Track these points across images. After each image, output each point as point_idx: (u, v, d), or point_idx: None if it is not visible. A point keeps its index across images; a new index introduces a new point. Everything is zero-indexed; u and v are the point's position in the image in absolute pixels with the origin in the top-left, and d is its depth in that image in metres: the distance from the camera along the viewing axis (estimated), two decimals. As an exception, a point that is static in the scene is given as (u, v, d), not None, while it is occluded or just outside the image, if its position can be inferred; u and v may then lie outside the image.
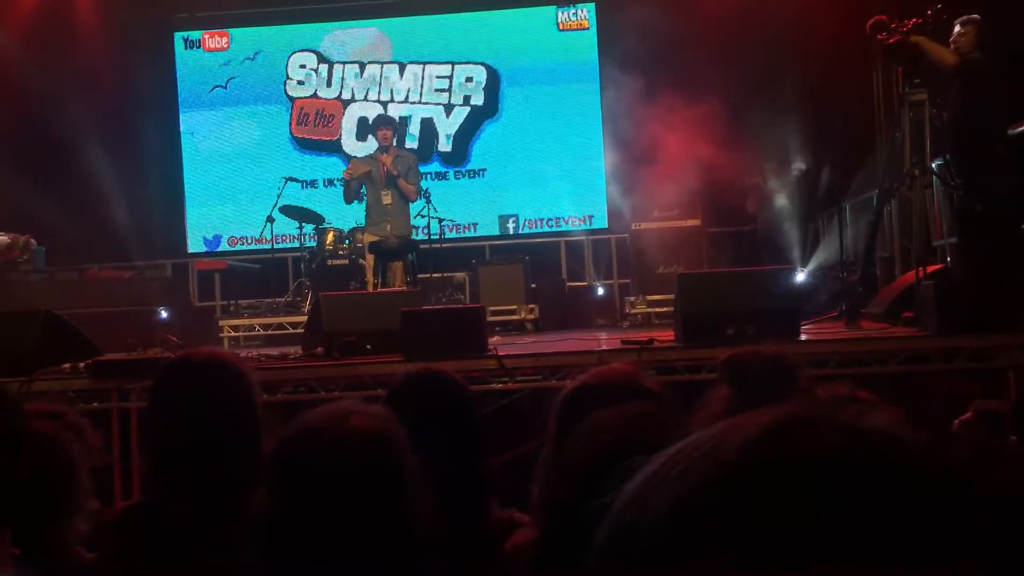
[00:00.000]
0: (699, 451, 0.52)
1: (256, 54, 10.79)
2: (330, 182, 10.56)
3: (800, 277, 8.16)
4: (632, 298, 8.67)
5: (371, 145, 8.35)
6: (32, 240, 8.88)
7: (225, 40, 10.78)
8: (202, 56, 10.80)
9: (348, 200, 7.99)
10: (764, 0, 9.27)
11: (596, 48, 10.50)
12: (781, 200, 8.99)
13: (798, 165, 9.15)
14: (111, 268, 9.44)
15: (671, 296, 6.97)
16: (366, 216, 7.93)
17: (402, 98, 10.66)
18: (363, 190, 7.81)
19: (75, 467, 2.07)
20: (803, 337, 4.99)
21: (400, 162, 7.65)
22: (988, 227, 5.27)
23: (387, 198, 7.57)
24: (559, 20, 10.56)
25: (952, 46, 5.45)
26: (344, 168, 8.44)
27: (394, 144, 7.83)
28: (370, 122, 9.66)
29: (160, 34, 10.71)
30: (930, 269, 5.53)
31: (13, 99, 9.78)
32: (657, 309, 8.37)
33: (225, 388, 2.03)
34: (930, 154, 5.58)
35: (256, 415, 2.07)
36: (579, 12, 10.53)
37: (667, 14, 9.23)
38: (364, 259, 8.27)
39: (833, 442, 0.49)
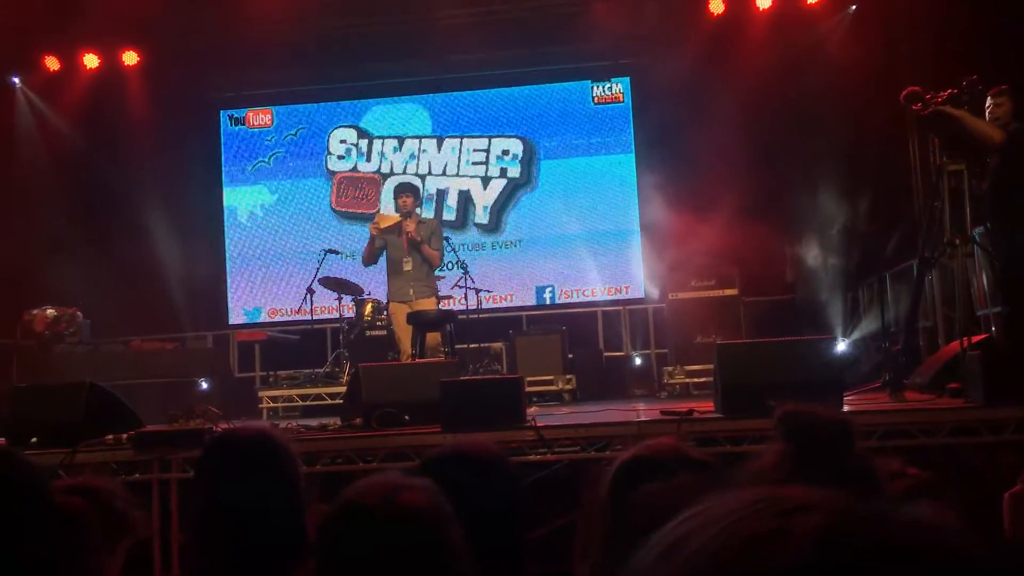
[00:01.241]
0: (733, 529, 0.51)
1: (298, 130, 11.08)
2: (369, 254, 10.70)
3: (841, 347, 8.06)
4: (670, 368, 8.61)
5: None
6: (78, 313, 9.09)
7: (269, 117, 11.09)
8: (246, 133, 11.12)
9: (367, 261, 7.86)
10: (799, 70, 9.36)
11: (631, 120, 10.64)
12: (819, 269, 8.94)
13: (835, 234, 9.11)
14: (154, 340, 9.59)
15: (709, 366, 6.92)
16: (388, 285, 7.83)
17: (440, 171, 10.84)
18: (383, 257, 7.78)
19: (88, 551, 2.05)
20: (846, 408, 4.92)
21: (423, 228, 7.66)
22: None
23: (408, 264, 7.57)
24: (594, 94, 10.74)
25: (988, 117, 5.45)
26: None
27: (416, 211, 7.80)
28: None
29: (206, 112, 11.05)
30: (975, 339, 5.44)
31: (61, 174, 10.10)
32: (695, 379, 8.30)
33: (269, 465, 2.05)
34: (970, 223, 5.54)
35: (299, 491, 2.08)
36: (614, 86, 10.70)
37: (702, 86, 9.36)
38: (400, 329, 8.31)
39: (892, 547, 0.48)
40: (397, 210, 7.76)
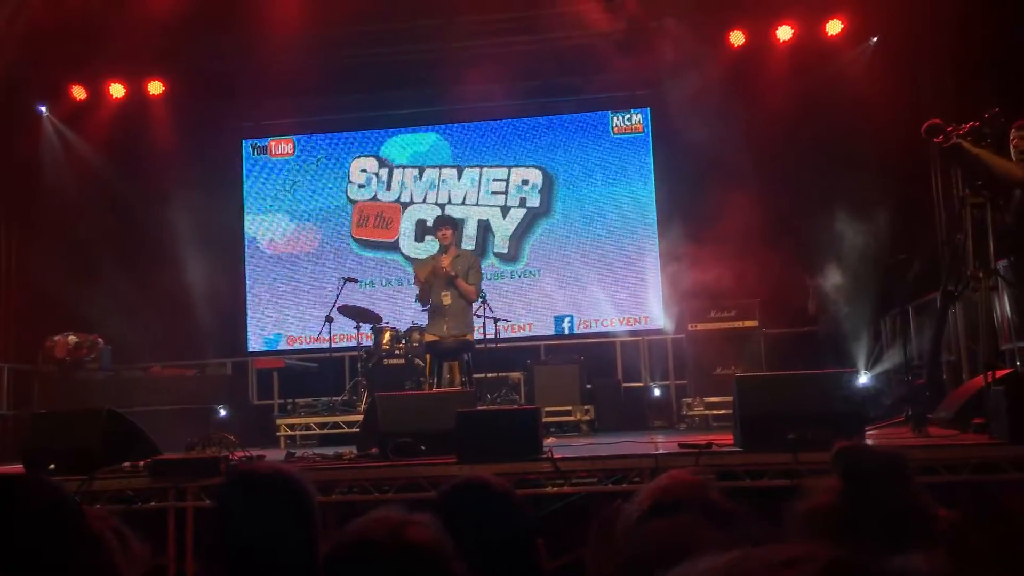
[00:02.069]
0: None
1: (319, 159, 11.17)
2: (388, 282, 10.74)
3: (863, 380, 7.97)
4: (689, 400, 8.54)
5: (429, 246, 8.43)
6: (99, 340, 9.15)
7: (290, 146, 11.19)
8: (268, 161, 11.22)
9: (423, 301, 7.87)
10: (820, 102, 9.34)
11: (651, 151, 10.64)
12: (841, 302, 8.86)
13: (856, 266, 9.05)
14: (174, 366, 9.64)
15: (729, 398, 6.84)
16: (428, 316, 7.86)
17: (460, 200, 10.87)
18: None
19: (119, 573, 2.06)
20: (868, 443, 4.84)
21: (459, 262, 7.61)
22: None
23: (446, 298, 7.55)
24: (613, 124, 10.77)
25: (1013, 150, 5.40)
26: (405, 272, 8.38)
27: (454, 244, 7.83)
28: (429, 223, 9.83)
29: (229, 141, 11.16)
30: (999, 374, 5.36)
31: (85, 202, 10.21)
32: (715, 411, 8.23)
33: (286, 504, 2.06)
34: (994, 256, 5.48)
35: (315, 530, 2.08)
36: (633, 116, 10.73)
37: (722, 117, 9.35)
38: (420, 359, 8.30)
39: None
40: (438, 243, 7.76)
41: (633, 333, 10.14)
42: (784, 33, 9.75)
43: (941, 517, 1.49)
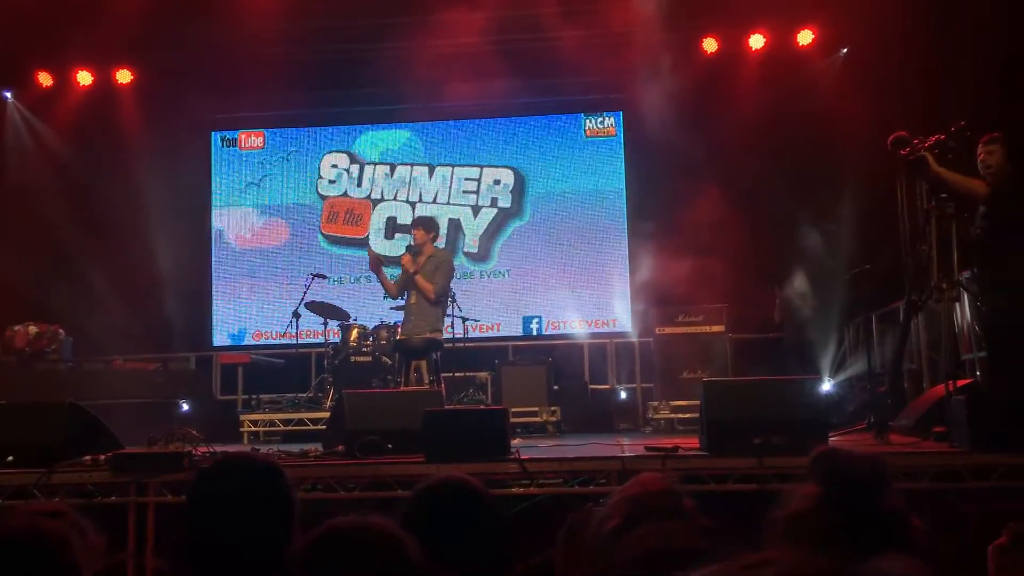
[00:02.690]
0: None
1: (290, 154, 11.08)
2: (357, 279, 10.68)
3: (827, 387, 8.07)
4: (655, 403, 8.59)
5: (399, 244, 8.42)
6: (60, 331, 9.01)
7: (260, 139, 11.09)
8: (237, 154, 11.11)
9: (390, 294, 7.87)
10: (790, 111, 9.45)
11: (623, 154, 10.69)
12: (806, 309, 8.97)
13: (821, 274, 9.15)
14: (137, 360, 9.51)
15: (695, 401, 6.91)
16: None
17: (431, 199, 10.85)
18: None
19: (78, 567, 2.03)
20: (814, 451, 4.89)
21: (429, 261, 7.61)
22: (1019, 342, 5.21)
23: (412, 297, 7.57)
24: (586, 127, 10.80)
25: (980, 165, 5.48)
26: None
27: (431, 242, 7.74)
28: (399, 221, 9.83)
29: (198, 132, 11.02)
30: (960, 383, 5.45)
31: (49, 190, 10.05)
32: (681, 415, 8.29)
33: (263, 491, 2.04)
34: (958, 267, 5.57)
35: (293, 517, 2.06)
36: (606, 119, 10.77)
37: (693, 123, 9.42)
38: (388, 357, 8.28)
39: None
40: (410, 242, 7.82)
41: (601, 336, 10.18)
42: (756, 42, 9.86)
43: (916, 525, 1.51)
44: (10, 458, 4.97)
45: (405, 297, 7.67)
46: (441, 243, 8.38)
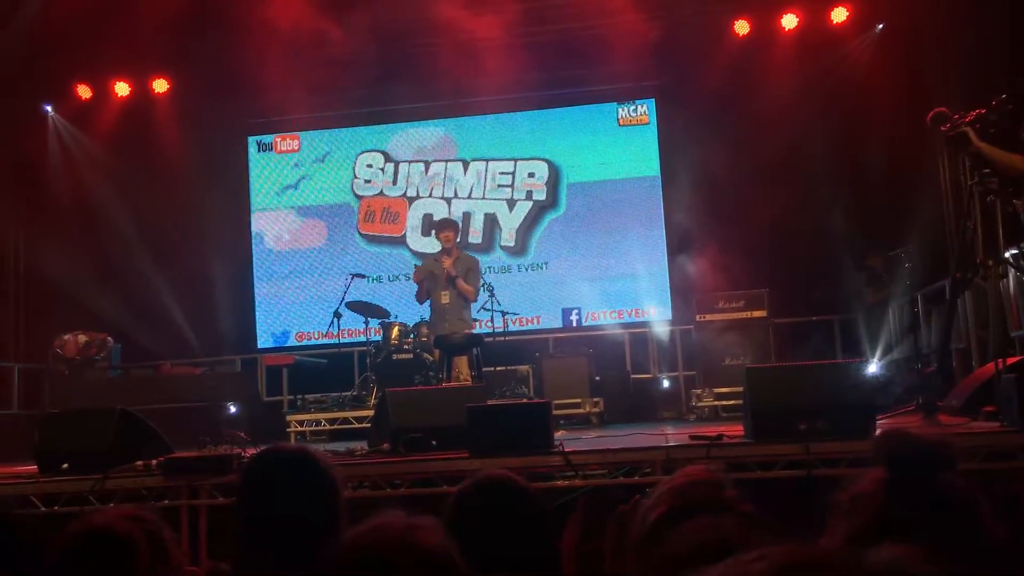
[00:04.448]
0: None
1: (325, 155, 11.17)
2: (395, 277, 10.75)
3: (873, 369, 7.96)
4: (698, 391, 8.54)
5: (435, 242, 8.52)
6: (109, 339, 9.18)
7: (296, 143, 11.19)
8: (274, 158, 11.22)
9: (420, 300, 8.30)
10: (826, 90, 9.32)
11: (656, 142, 10.62)
12: (852, 290, 8.86)
13: (865, 254, 9.04)
14: (183, 364, 9.67)
15: (738, 388, 6.85)
16: (430, 315, 8.20)
17: (466, 194, 10.88)
18: None
19: (142, 567, 2.09)
20: (879, 432, 4.84)
21: (460, 264, 7.90)
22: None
23: (444, 298, 7.85)
24: (619, 116, 10.74)
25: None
26: (412, 267, 8.76)
27: (456, 245, 8.08)
28: (434, 219, 9.92)
29: (235, 138, 11.16)
30: (1009, 361, 5.35)
31: (92, 201, 10.24)
32: (724, 402, 8.24)
33: (312, 483, 2.08)
34: (1003, 243, 5.46)
35: (340, 508, 2.10)
36: (639, 107, 10.70)
37: (728, 107, 9.34)
38: (429, 354, 8.35)
39: None
40: (440, 245, 8.12)
41: (641, 325, 10.13)
42: (789, 22, 9.72)
43: (984, 512, 1.47)
44: (65, 465, 5.08)
45: (432, 298, 8.03)
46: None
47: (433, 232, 8.36)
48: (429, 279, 8.01)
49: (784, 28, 9.74)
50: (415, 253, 10.66)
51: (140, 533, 2.13)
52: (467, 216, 10.81)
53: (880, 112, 8.57)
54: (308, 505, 2.07)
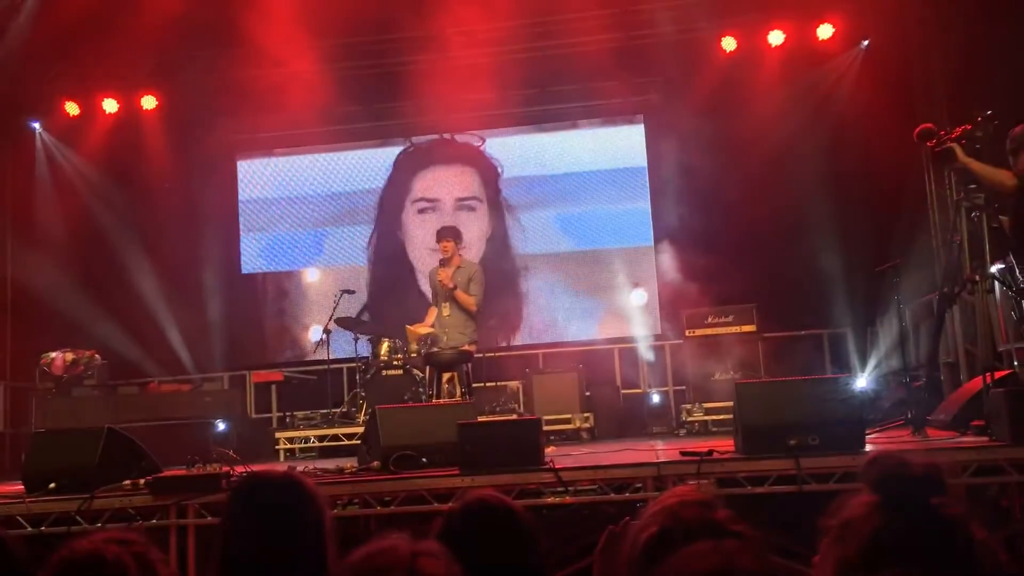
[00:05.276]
0: None
1: (314, 173, 11.14)
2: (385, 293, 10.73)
3: (861, 383, 7.98)
4: (688, 405, 8.55)
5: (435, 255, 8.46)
6: (96, 356, 9.12)
7: (286, 161, 11.17)
8: (263, 176, 11.19)
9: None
10: (813, 107, 9.39)
11: (646, 159, 10.62)
12: (840, 304, 8.90)
13: (853, 269, 9.08)
14: (171, 382, 9.61)
15: (728, 403, 6.84)
16: (435, 327, 7.99)
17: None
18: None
19: None
20: (868, 447, 4.85)
21: (460, 273, 7.71)
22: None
23: (445, 310, 7.68)
24: (608, 133, 10.77)
25: (1011, 157, 5.40)
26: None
27: (458, 254, 7.88)
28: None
29: (223, 155, 11.12)
30: (998, 375, 5.37)
31: (80, 219, 10.19)
32: (714, 416, 8.25)
33: (295, 509, 2.06)
34: (990, 258, 5.50)
35: (325, 535, 2.08)
36: (628, 125, 10.72)
37: (715, 123, 9.38)
38: (419, 370, 8.31)
39: None
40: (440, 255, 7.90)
41: (630, 340, 10.12)
42: (776, 38, 9.78)
43: (979, 538, 1.46)
44: (52, 485, 5.04)
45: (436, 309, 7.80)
46: (464, 251, 8.42)
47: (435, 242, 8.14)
48: (433, 291, 7.88)
49: (771, 44, 9.81)
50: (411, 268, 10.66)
51: (129, 557, 2.10)
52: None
53: (866, 128, 8.62)
54: (293, 535, 2.05)
